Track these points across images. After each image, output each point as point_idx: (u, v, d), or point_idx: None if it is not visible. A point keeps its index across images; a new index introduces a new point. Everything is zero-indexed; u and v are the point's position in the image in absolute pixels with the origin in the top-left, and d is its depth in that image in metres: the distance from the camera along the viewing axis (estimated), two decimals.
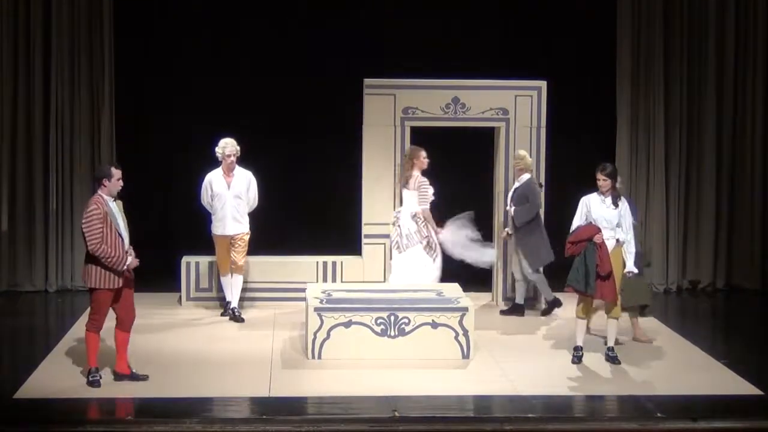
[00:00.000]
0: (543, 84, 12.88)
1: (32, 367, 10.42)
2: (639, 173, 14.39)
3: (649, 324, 12.11)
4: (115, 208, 9.79)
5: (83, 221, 9.65)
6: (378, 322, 10.79)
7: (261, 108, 14.74)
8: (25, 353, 11.32)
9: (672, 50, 14.22)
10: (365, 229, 12.89)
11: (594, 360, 10.80)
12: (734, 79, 14.42)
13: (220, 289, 12.88)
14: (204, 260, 13.01)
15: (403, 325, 10.80)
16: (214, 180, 12.33)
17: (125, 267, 9.67)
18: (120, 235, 9.68)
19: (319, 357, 10.73)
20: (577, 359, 10.74)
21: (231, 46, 14.75)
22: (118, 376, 9.94)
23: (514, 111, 12.86)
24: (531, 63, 14.00)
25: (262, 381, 10.04)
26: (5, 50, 13.68)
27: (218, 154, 12.29)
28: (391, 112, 12.80)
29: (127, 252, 9.70)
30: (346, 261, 13.09)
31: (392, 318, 10.80)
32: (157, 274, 13.88)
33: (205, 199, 12.42)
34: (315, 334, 10.72)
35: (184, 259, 13.08)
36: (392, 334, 10.80)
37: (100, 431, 8.81)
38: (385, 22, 14.73)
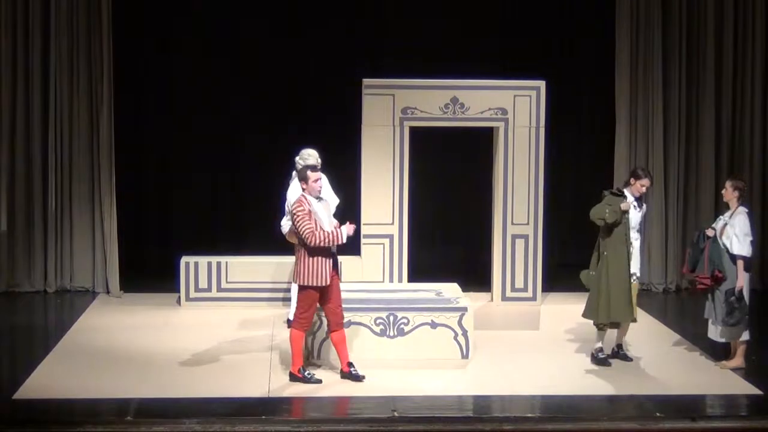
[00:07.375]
0: (542, 84, 12.87)
1: (32, 367, 10.42)
2: None
3: (649, 324, 12.12)
4: (321, 207, 9.95)
5: (295, 221, 9.85)
6: (377, 322, 10.79)
7: (260, 108, 14.75)
8: (25, 354, 11.32)
9: (670, 50, 14.21)
10: (364, 229, 12.88)
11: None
12: (733, 78, 14.40)
13: (219, 289, 12.89)
14: (203, 260, 12.99)
15: (402, 325, 10.80)
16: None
17: (344, 239, 9.84)
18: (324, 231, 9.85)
19: (319, 357, 10.73)
20: (597, 361, 10.65)
21: (230, 46, 14.76)
22: (343, 374, 10.11)
23: (513, 111, 12.85)
24: (530, 63, 14.00)
25: (261, 381, 10.04)
26: (4, 51, 13.66)
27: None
28: (390, 112, 12.79)
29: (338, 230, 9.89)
30: (345, 261, 13.07)
31: (391, 318, 10.80)
32: (157, 274, 13.92)
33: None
34: (314, 334, 10.72)
35: (183, 260, 13.07)
36: (391, 334, 10.80)
37: (100, 431, 8.82)
38: (385, 22, 14.75)
